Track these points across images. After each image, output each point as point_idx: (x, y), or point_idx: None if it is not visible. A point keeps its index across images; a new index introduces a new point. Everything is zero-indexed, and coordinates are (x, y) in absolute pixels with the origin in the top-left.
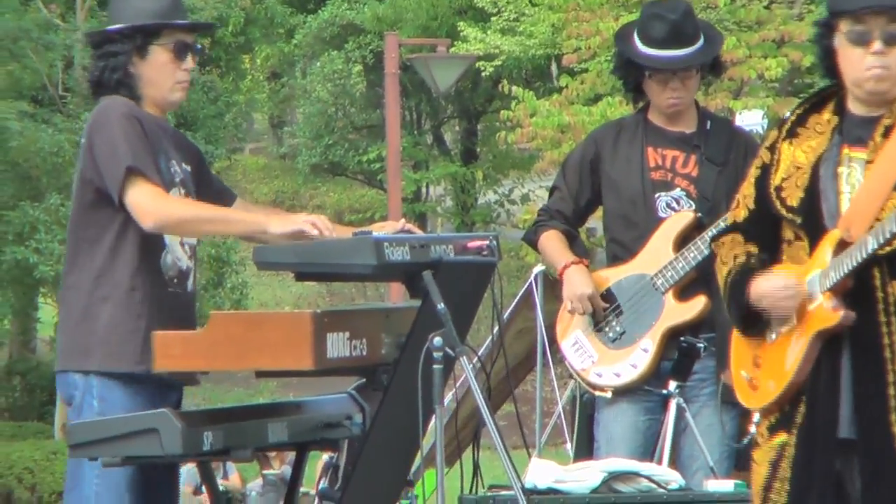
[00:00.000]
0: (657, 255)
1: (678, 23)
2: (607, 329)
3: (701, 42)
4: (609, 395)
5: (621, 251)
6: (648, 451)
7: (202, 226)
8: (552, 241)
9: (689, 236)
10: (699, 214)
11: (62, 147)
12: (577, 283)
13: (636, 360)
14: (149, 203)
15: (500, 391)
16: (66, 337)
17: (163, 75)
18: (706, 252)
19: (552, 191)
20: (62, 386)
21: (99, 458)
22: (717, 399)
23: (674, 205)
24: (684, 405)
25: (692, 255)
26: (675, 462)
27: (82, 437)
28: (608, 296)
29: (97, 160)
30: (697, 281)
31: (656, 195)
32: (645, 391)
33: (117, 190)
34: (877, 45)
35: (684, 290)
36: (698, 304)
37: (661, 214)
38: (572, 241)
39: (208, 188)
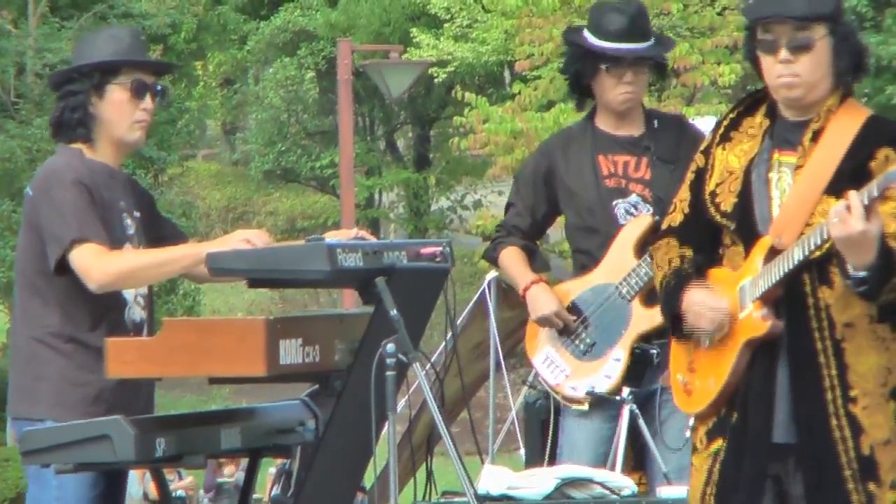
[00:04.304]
0: (619, 263)
1: (636, 17)
2: (577, 342)
3: (652, 40)
4: (586, 407)
5: (587, 260)
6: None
7: (143, 273)
8: (511, 259)
9: (648, 240)
10: (657, 217)
11: (14, 153)
12: (541, 303)
13: (610, 370)
14: (91, 263)
15: (455, 398)
16: (14, 384)
17: (120, 114)
18: None
19: (507, 207)
20: (15, 429)
21: (51, 465)
22: None
23: (632, 211)
24: (637, 412)
25: None
26: (645, 469)
27: (35, 444)
28: (573, 308)
29: (43, 229)
30: None
31: (613, 202)
32: (610, 400)
33: (56, 258)
34: (783, 53)
35: (651, 296)
36: None
37: (622, 221)
38: (532, 255)
39: (159, 231)
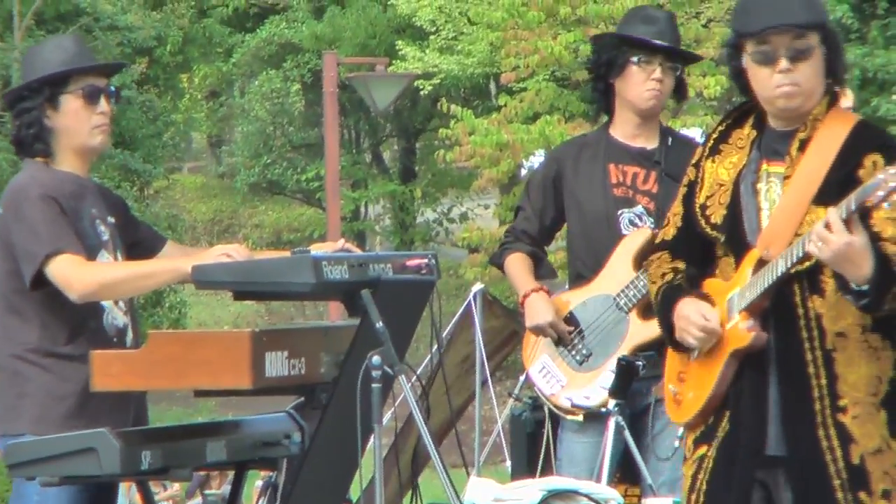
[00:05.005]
0: (618, 275)
1: (670, 20)
2: (573, 352)
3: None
4: (580, 418)
5: (585, 269)
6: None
7: (124, 285)
8: (515, 266)
9: (647, 253)
10: (656, 231)
11: (0, 166)
12: (538, 312)
13: (605, 381)
14: (71, 274)
15: (440, 410)
16: (0, 402)
17: (78, 122)
18: None
19: (517, 211)
20: (0, 445)
21: (37, 478)
22: None
23: (637, 221)
24: (623, 423)
25: None
26: (635, 482)
27: (20, 457)
28: (571, 319)
29: (15, 246)
30: None
31: (619, 212)
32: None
33: (31, 274)
34: (783, 63)
35: (648, 308)
36: None
37: (624, 232)
38: (538, 262)
39: (136, 235)
